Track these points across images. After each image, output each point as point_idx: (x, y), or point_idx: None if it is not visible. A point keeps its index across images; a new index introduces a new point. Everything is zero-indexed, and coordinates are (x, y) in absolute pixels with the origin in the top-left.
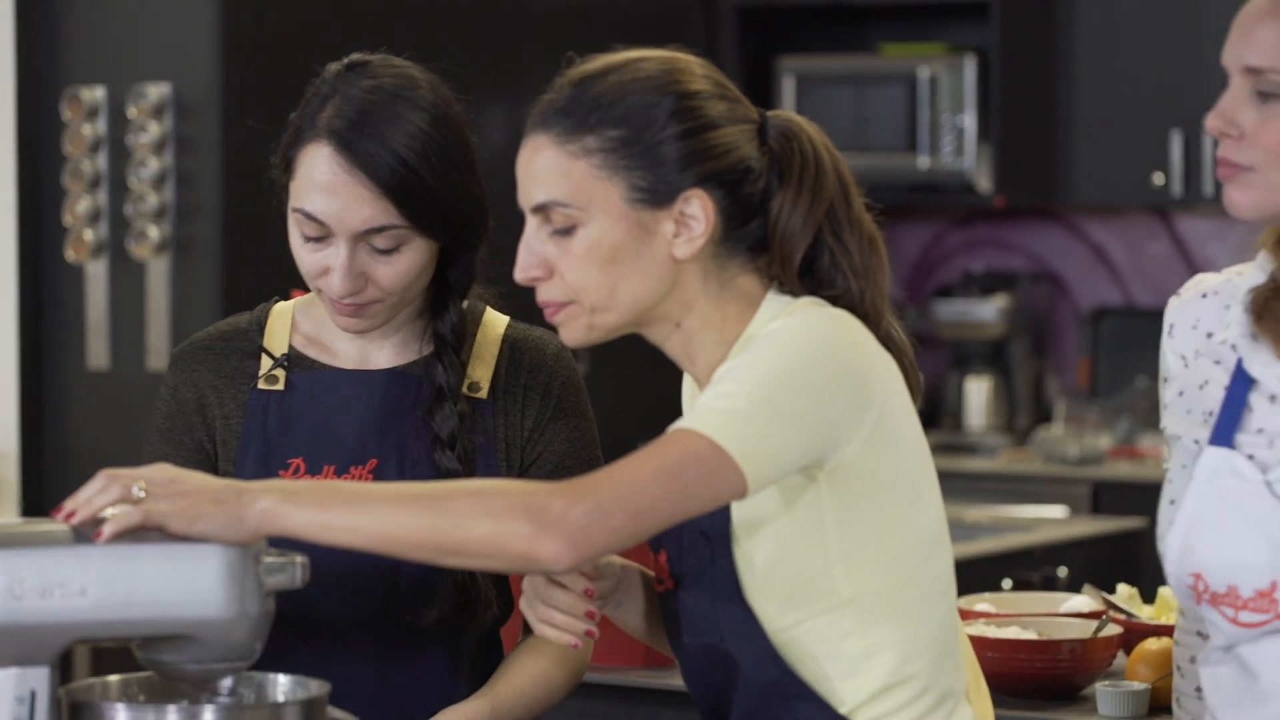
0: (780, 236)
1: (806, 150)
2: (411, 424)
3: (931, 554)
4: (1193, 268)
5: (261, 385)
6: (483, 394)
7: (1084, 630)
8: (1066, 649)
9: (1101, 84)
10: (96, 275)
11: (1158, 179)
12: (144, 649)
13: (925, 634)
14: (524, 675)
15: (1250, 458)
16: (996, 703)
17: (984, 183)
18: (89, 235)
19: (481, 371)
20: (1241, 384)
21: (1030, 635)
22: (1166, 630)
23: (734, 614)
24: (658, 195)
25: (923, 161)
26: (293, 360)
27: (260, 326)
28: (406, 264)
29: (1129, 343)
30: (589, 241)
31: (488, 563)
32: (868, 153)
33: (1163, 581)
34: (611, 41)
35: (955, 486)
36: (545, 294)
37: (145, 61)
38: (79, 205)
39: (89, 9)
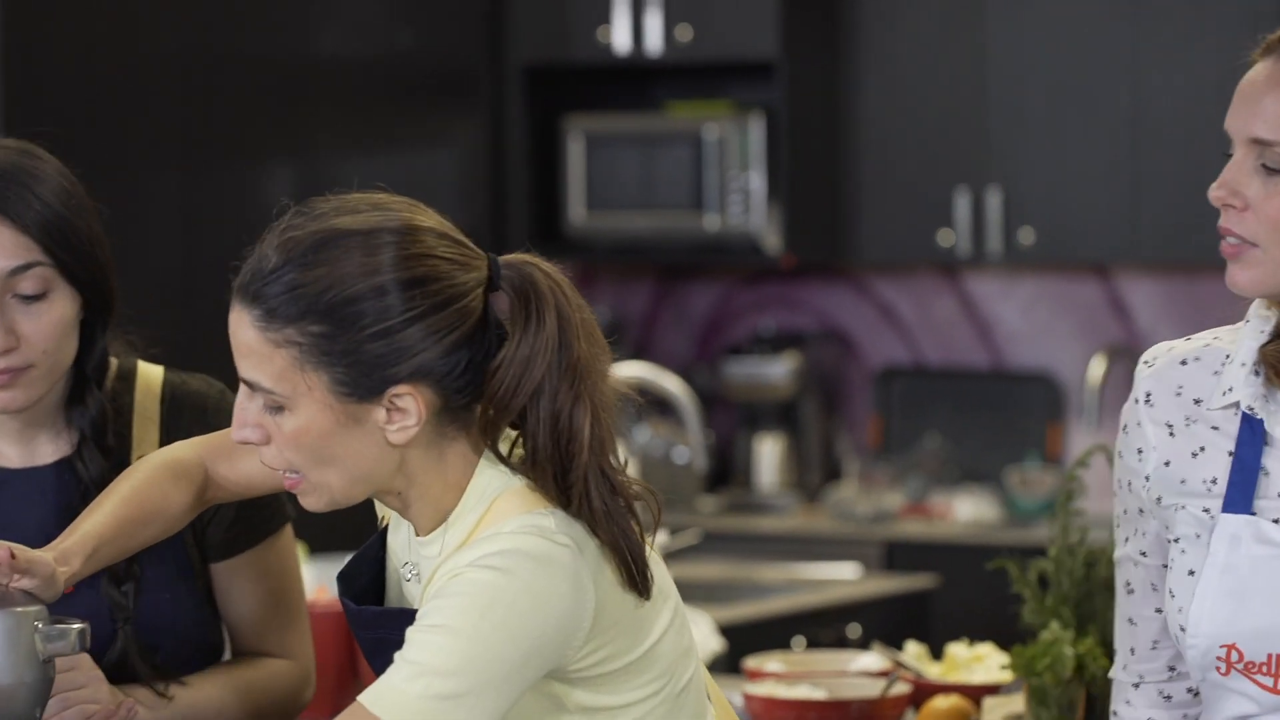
0: (495, 392)
1: (533, 306)
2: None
3: (673, 670)
4: (980, 325)
5: None
6: None
7: (873, 689)
8: (856, 708)
9: (887, 142)
10: None
11: (944, 238)
12: None
13: None
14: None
15: (1276, 522)
16: None
17: (772, 241)
18: None
19: (149, 440)
20: (1253, 448)
21: (820, 695)
22: (954, 688)
23: None
24: (362, 390)
25: (711, 221)
26: None
27: None
28: (57, 314)
29: (919, 401)
30: (296, 426)
31: None
32: (656, 211)
33: (952, 638)
34: (400, 101)
35: (747, 547)
36: (266, 458)
37: None
38: None
39: None
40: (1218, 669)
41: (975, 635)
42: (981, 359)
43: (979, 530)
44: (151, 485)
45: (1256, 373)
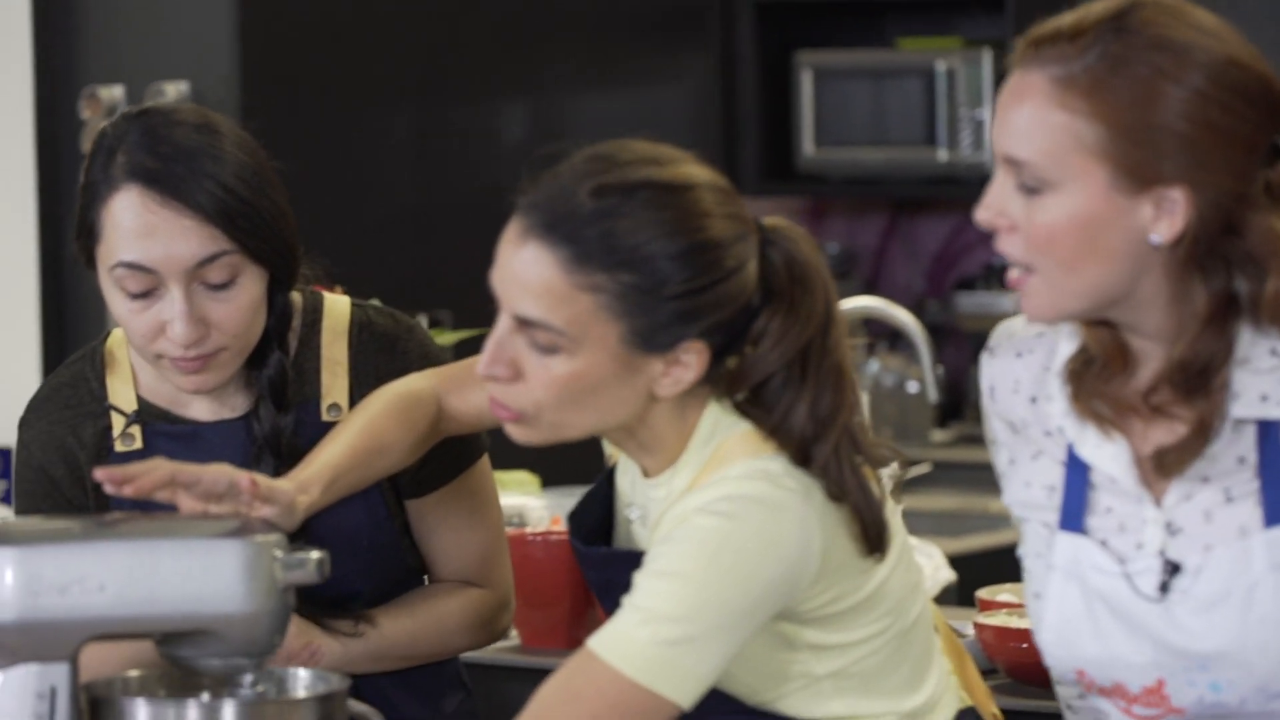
0: (750, 359)
1: (803, 278)
2: (271, 474)
3: (901, 607)
4: None
5: (119, 448)
6: (344, 415)
7: None
8: None
9: None
10: None
11: None
12: (164, 644)
13: (907, 673)
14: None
15: (1104, 543)
16: (1017, 692)
17: None
18: None
19: (338, 387)
20: (1077, 464)
21: None
22: None
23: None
24: (655, 343)
25: (941, 154)
26: (143, 412)
27: (100, 378)
28: (245, 298)
29: None
30: (571, 370)
31: None
32: (886, 146)
33: None
34: (630, 38)
35: (977, 478)
36: (502, 396)
37: (163, 59)
38: None
39: (106, 8)
40: (1079, 688)
41: None
42: None
43: None
44: (386, 417)
45: (1065, 387)
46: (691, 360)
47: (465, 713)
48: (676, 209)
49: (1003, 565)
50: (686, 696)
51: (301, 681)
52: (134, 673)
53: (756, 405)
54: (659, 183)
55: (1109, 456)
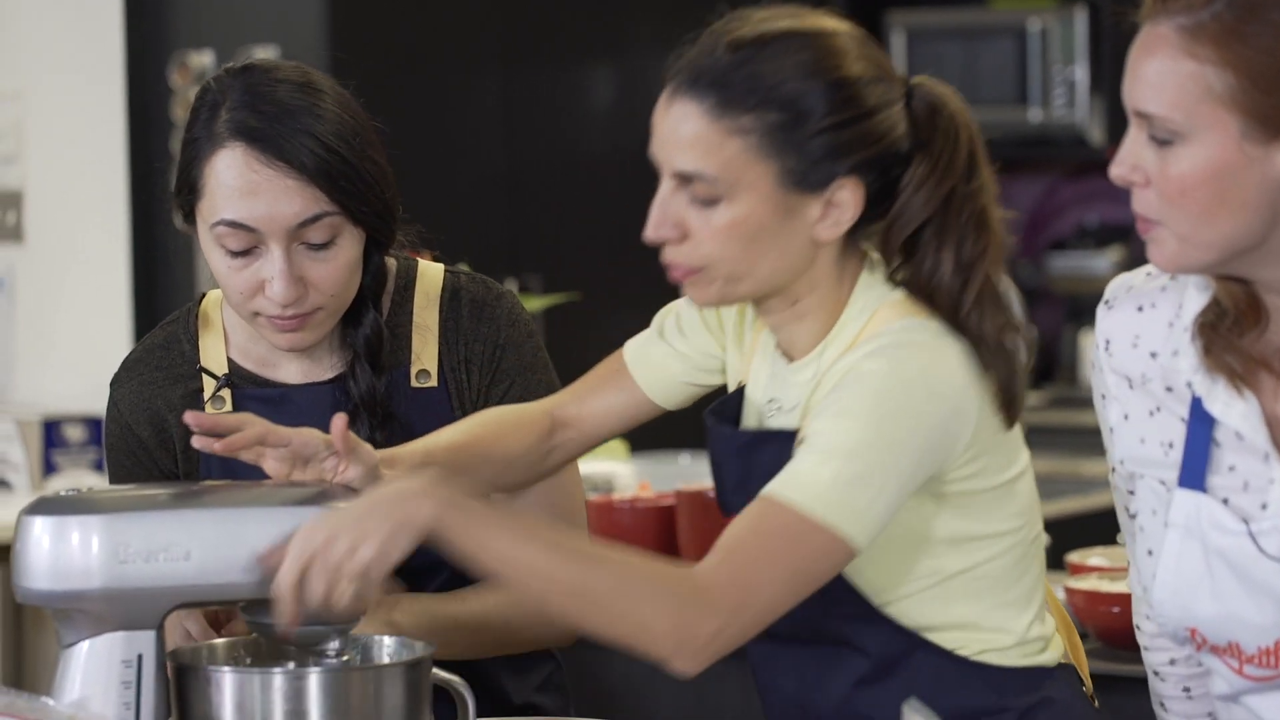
0: (898, 210)
1: (947, 127)
2: (366, 435)
3: (1029, 514)
4: None
5: (209, 409)
6: (433, 382)
7: None
8: None
9: None
10: None
11: None
12: (249, 611)
13: (1027, 588)
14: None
15: (1225, 502)
16: (1108, 656)
17: (1096, 134)
18: None
19: (428, 353)
20: (1203, 420)
21: None
22: None
23: (828, 589)
24: (809, 182)
25: (1034, 114)
26: (233, 375)
27: (194, 340)
28: (343, 259)
29: None
30: (732, 218)
31: (619, 642)
32: (979, 106)
33: None
34: (714, 5)
35: (1071, 441)
36: (674, 256)
37: (252, 24)
38: None
39: None
40: (1191, 646)
41: None
42: None
43: None
44: (487, 424)
45: (1195, 342)
46: (846, 199)
47: (555, 685)
48: (814, 50)
49: (1095, 529)
50: (861, 535)
51: (387, 649)
52: (220, 641)
53: (906, 266)
54: (795, 29)
55: (1239, 414)
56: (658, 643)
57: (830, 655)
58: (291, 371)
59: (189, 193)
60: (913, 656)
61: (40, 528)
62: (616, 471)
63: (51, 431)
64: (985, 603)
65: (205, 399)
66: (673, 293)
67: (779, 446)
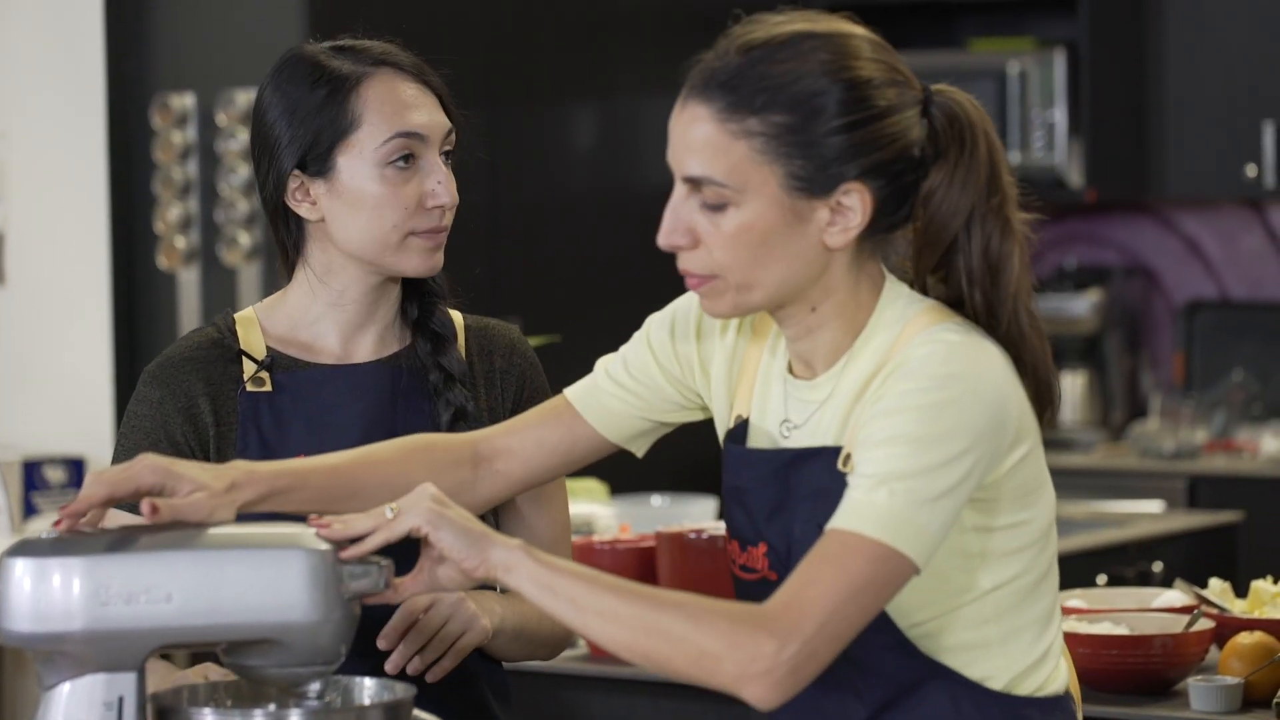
0: (928, 221)
1: (965, 134)
2: (403, 414)
3: (1050, 538)
4: None
5: (249, 388)
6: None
7: (1176, 625)
8: (1158, 644)
9: (1192, 75)
10: (189, 282)
11: (1250, 170)
12: (230, 654)
13: (1047, 609)
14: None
15: None
16: (1089, 699)
17: (1075, 177)
18: (180, 242)
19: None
20: None
21: (1123, 631)
22: (1260, 624)
23: None
24: (816, 185)
25: (1014, 157)
26: (274, 361)
27: (232, 332)
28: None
29: (1223, 336)
30: (740, 223)
31: (692, 681)
32: None
33: (1257, 574)
34: (701, 41)
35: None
36: (687, 264)
37: (234, 66)
38: (170, 212)
39: (177, 15)
40: None
41: None
42: None
43: None
44: (390, 450)
45: None
46: (854, 203)
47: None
48: (825, 51)
49: (1073, 570)
50: (922, 555)
51: (368, 690)
52: (201, 682)
53: (934, 274)
54: (808, 31)
55: None
56: (721, 668)
57: (846, 683)
58: (333, 353)
59: (335, 137)
60: (930, 683)
61: (21, 569)
62: (596, 514)
63: (32, 473)
64: (1014, 616)
65: (245, 379)
66: None
67: (822, 463)
